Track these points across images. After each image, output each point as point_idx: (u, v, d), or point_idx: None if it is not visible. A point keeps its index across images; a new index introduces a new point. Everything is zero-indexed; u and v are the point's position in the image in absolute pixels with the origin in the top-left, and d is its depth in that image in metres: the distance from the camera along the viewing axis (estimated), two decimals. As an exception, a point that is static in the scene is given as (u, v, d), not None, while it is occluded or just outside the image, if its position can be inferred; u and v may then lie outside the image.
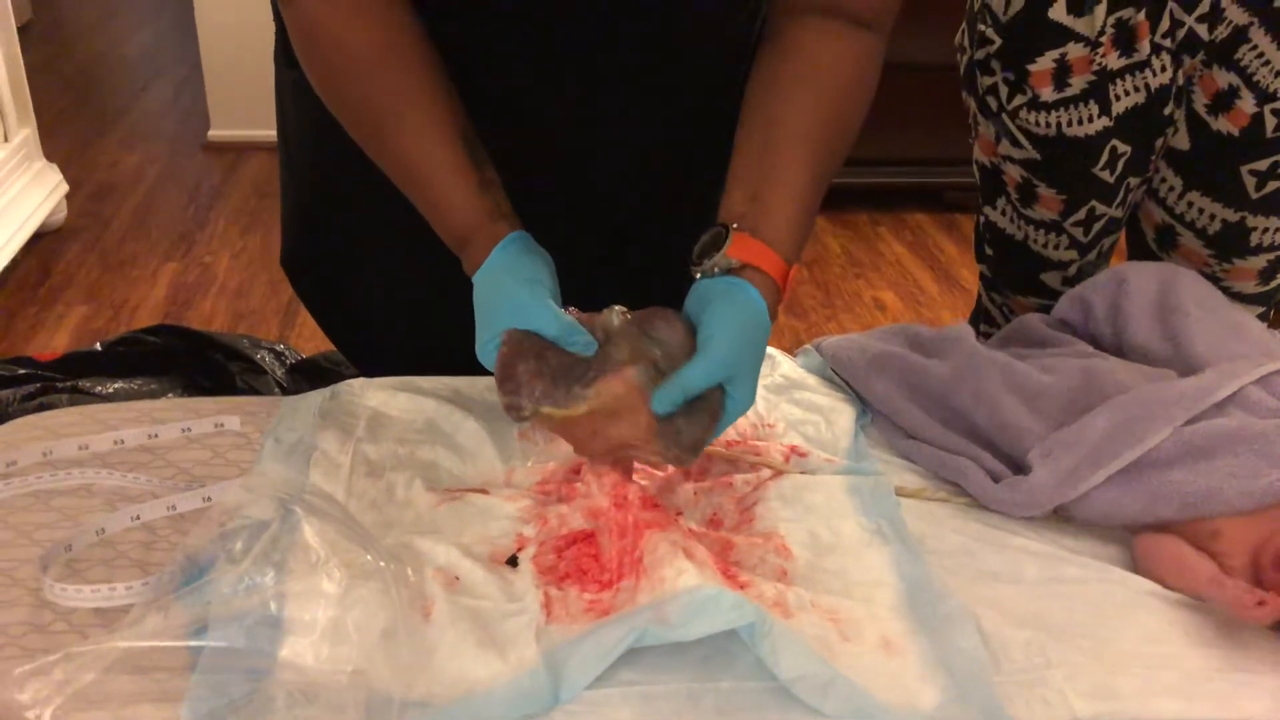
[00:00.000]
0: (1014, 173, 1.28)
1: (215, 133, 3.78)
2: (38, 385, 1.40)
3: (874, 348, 1.07)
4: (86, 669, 0.65)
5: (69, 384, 1.42)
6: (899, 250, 3.15)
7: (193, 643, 0.68)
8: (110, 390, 1.45)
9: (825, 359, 1.10)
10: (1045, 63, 1.18)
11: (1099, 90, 1.19)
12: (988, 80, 1.25)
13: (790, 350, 1.16)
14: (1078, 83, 1.18)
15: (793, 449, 0.98)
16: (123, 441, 0.97)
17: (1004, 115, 1.25)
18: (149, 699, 0.68)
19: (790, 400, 1.06)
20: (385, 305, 1.18)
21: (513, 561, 0.84)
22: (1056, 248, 1.30)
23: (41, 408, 1.12)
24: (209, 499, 0.89)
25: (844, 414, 1.04)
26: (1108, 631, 0.80)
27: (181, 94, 4.28)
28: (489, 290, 0.85)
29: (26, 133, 2.96)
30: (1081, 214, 1.27)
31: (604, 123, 1.01)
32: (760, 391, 1.07)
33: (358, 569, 0.71)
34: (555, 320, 0.81)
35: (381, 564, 0.71)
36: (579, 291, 0.88)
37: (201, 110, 3.82)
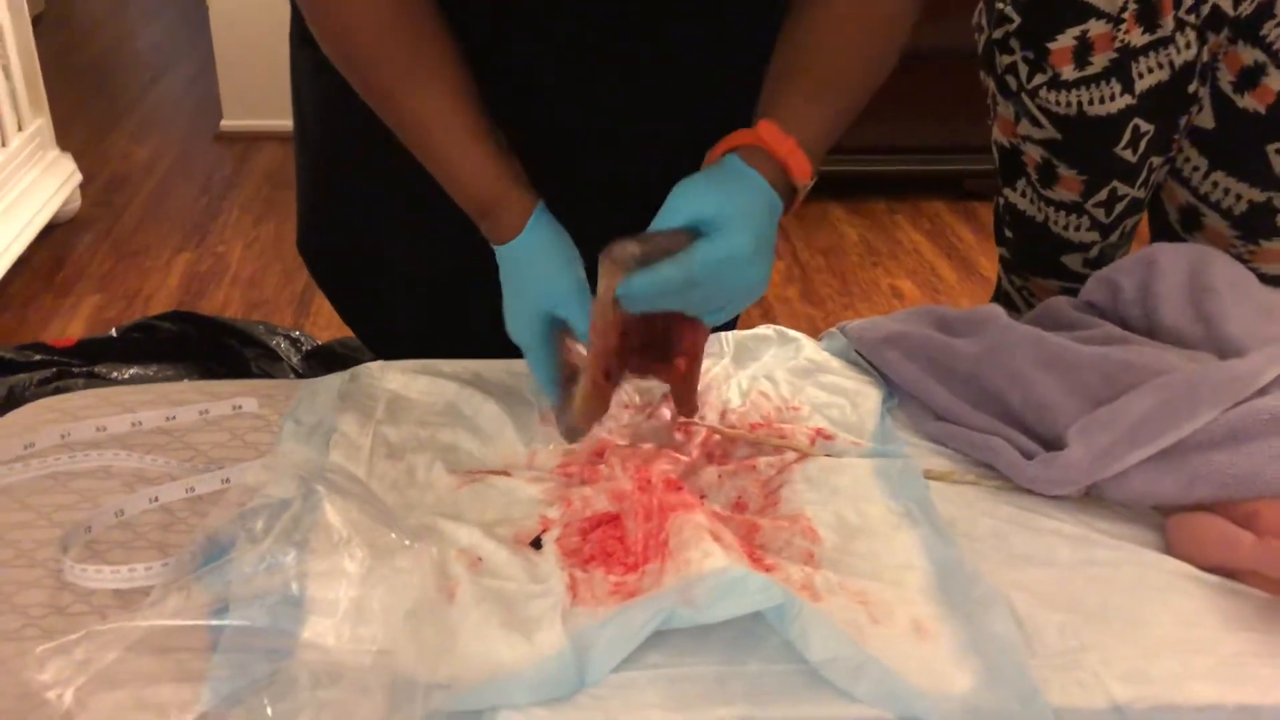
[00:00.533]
0: (1034, 153, 1.26)
1: (228, 123, 3.78)
2: (53, 370, 1.39)
3: (900, 329, 1.05)
4: (108, 648, 0.64)
5: (84, 369, 1.42)
6: (917, 238, 3.13)
7: (214, 622, 0.67)
8: (125, 376, 1.44)
9: (850, 341, 1.08)
10: (1066, 40, 1.17)
11: (1121, 68, 1.17)
12: (1006, 59, 1.23)
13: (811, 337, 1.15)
14: (1099, 60, 1.16)
15: (818, 432, 0.96)
16: (140, 423, 0.96)
17: (1023, 95, 1.23)
18: (170, 679, 0.67)
19: (815, 384, 1.04)
20: (402, 288, 1.17)
21: (536, 544, 0.83)
22: (1078, 229, 1.29)
23: (58, 392, 1.11)
24: (227, 480, 0.88)
25: (870, 397, 1.02)
26: (1142, 614, 0.78)
27: (194, 84, 4.27)
28: (525, 266, 0.84)
29: (40, 122, 2.96)
30: (1103, 194, 1.25)
31: (629, 106, 0.99)
32: (784, 374, 1.06)
33: (381, 548, 0.70)
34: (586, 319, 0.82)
35: (406, 542, 0.70)
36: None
37: (214, 100, 3.81)
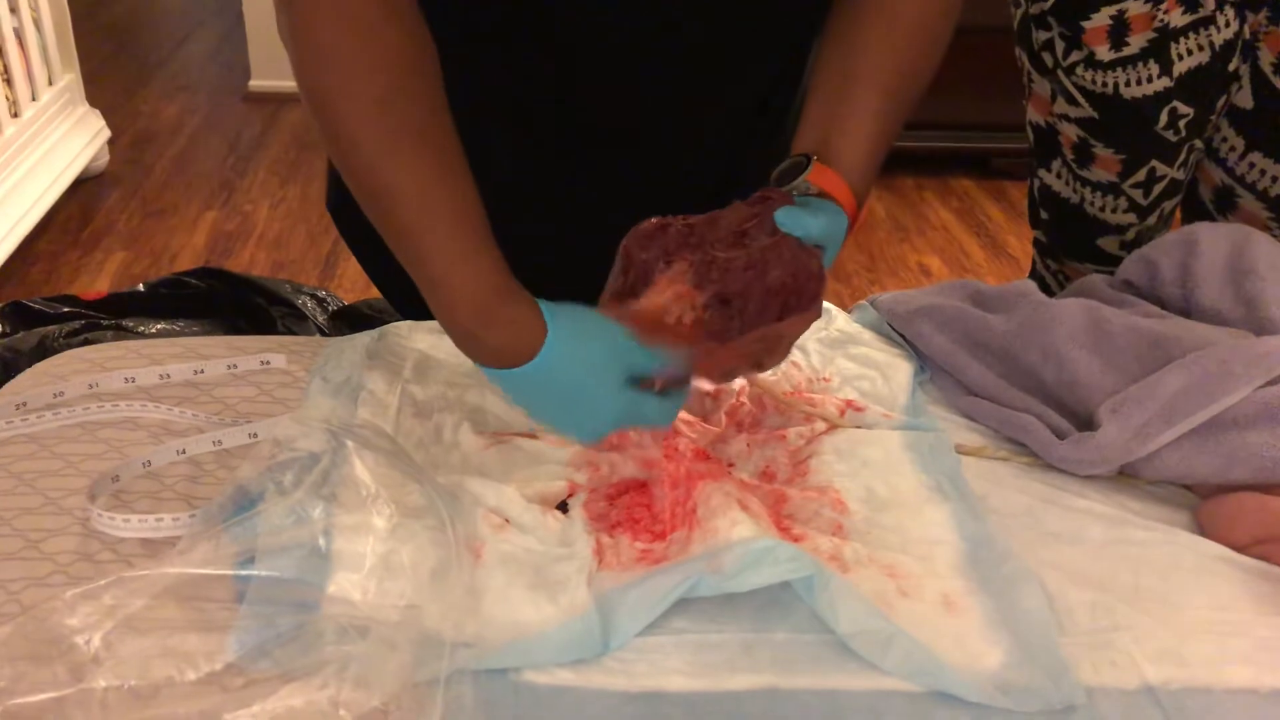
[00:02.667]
0: (1070, 132, 1.24)
1: (256, 83, 3.77)
2: (82, 322, 1.39)
3: (932, 302, 1.04)
4: (136, 595, 0.64)
5: (112, 323, 1.42)
6: (945, 216, 3.10)
7: (242, 572, 0.67)
8: (153, 330, 1.44)
9: (881, 313, 1.07)
10: (1101, 19, 1.14)
11: (1160, 49, 1.14)
12: (1043, 35, 1.21)
13: (839, 312, 1.13)
14: (1136, 41, 1.14)
15: (849, 403, 0.95)
16: (169, 376, 0.96)
17: (1059, 72, 1.20)
18: (196, 628, 0.67)
19: (846, 355, 1.03)
20: None
21: (563, 508, 0.82)
22: (1114, 211, 1.26)
23: (86, 344, 1.11)
24: (255, 435, 0.88)
25: (901, 370, 1.01)
26: (1176, 596, 0.77)
27: (223, 44, 4.27)
28: (580, 379, 0.75)
29: (70, 78, 2.97)
30: (1141, 175, 1.22)
31: (678, 101, 0.98)
32: (815, 345, 1.04)
33: (410, 505, 0.69)
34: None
35: (436, 499, 0.69)
36: None
37: (243, 61, 3.81)
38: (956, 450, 0.91)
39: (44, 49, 2.83)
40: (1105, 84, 1.17)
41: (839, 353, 1.04)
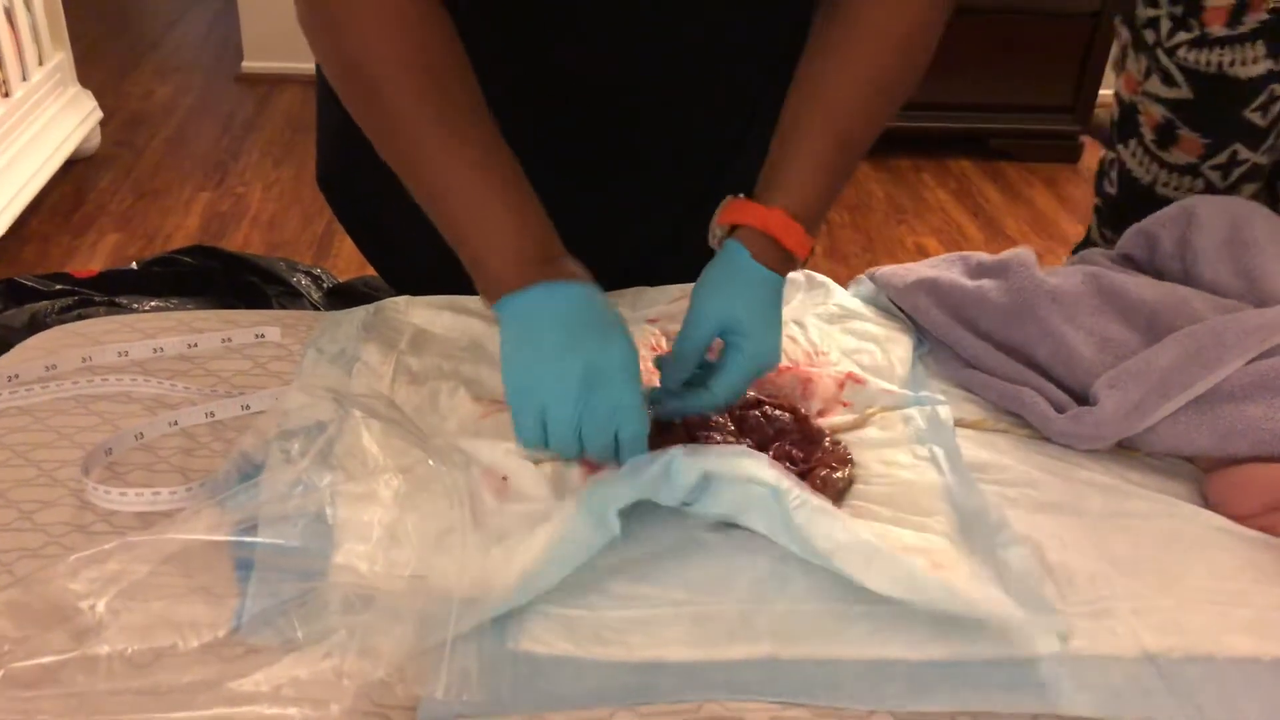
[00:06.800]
0: (1155, 112, 1.23)
1: (249, 64, 3.75)
2: (75, 299, 1.38)
3: (930, 275, 1.03)
4: (141, 560, 0.63)
5: (105, 300, 1.41)
6: (942, 196, 3.09)
7: (246, 539, 0.66)
8: (146, 308, 1.43)
9: (880, 288, 1.06)
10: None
11: (1271, 31, 1.14)
12: (1149, 12, 1.20)
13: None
14: (1250, 21, 1.14)
15: (849, 376, 0.95)
16: (162, 350, 0.95)
17: (1159, 50, 1.20)
18: (200, 597, 0.66)
19: (845, 329, 1.03)
20: (420, 224, 1.15)
21: None
22: (1189, 192, 1.24)
23: (79, 319, 1.10)
24: (248, 407, 0.88)
25: (900, 343, 1.00)
26: (1177, 566, 0.77)
27: (216, 25, 4.24)
28: (584, 357, 0.75)
29: (61, 57, 2.94)
30: (1222, 157, 1.22)
31: (678, 83, 0.97)
32: (813, 320, 1.04)
33: (415, 474, 0.69)
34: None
35: (441, 468, 0.69)
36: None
37: (236, 42, 3.78)
38: (956, 423, 0.90)
39: (34, 28, 2.80)
40: (1210, 63, 1.16)
41: (838, 327, 1.03)
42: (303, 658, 0.62)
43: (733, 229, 0.84)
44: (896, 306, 1.05)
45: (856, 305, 1.07)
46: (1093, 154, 3.35)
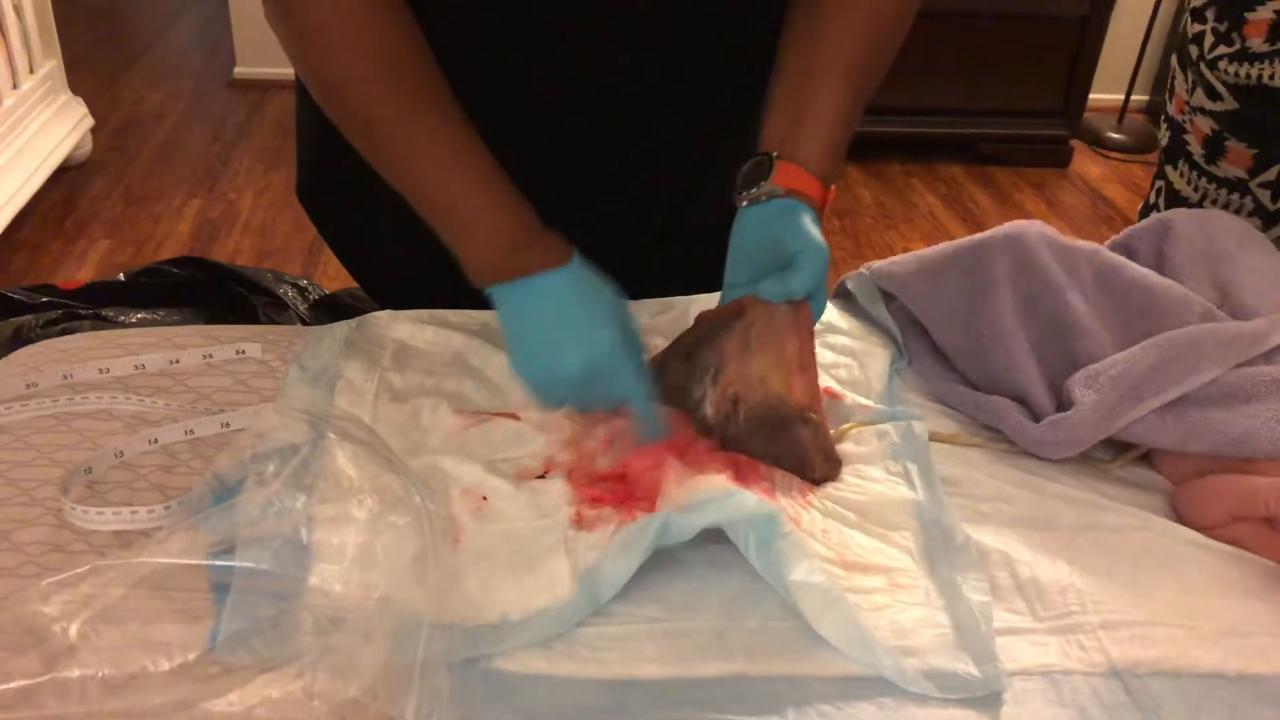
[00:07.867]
0: (1203, 125, 1.23)
1: (241, 70, 3.75)
2: (60, 312, 1.39)
3: (926, 273, 1.04)
4: (114, 584, 0.64)
5: (91, 313, 1.42)
6: (931, 201, 3.10)
7: (219, 563, 0.67)
8: (133, 320, 1.44)
9: (876, 278, 1.07)
10: (1265, 13, 1.14)
11: None
12: (1196, 28, 1.21)
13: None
14: None
15: (826, 390, 0.95)
16: (143, 366, 0.96)
17: (1201, 64, 1.20)
18: (174, 618, 0.67)
19: (822, 343, 1.03)
20: (400, 237, 1.15)
21: (543, 475, 0.83)
22: (1239, 211, 1.23)
23: (64, 334, 1.10)
24: (227, 425, 0.88)
25: (878, 358, 1.01)
26: (1146, 580, 0.78)
27: (207, 31, 4.24)
28: (573, 316, 0.82)
29: (52, 64, 2.95)
30: (1272, 174, 1.20)
31: (660, 71, 0.98)
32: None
33: (389, 496, 0.69)
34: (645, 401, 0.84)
35: (413, 490, 0.69)
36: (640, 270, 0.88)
37: (227, 47, 3.79)
38: (931, 438, 0.91)
39: (25, 35, 2.80)
40: (1251, 75, 1.17)
41: (816, 341, 1.03)
42: (275, 678, 0.62)
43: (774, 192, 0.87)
44: (887, 306, 1.05)
45: (834, 318, 1.07)
46: (1082, 159, 3.36)
